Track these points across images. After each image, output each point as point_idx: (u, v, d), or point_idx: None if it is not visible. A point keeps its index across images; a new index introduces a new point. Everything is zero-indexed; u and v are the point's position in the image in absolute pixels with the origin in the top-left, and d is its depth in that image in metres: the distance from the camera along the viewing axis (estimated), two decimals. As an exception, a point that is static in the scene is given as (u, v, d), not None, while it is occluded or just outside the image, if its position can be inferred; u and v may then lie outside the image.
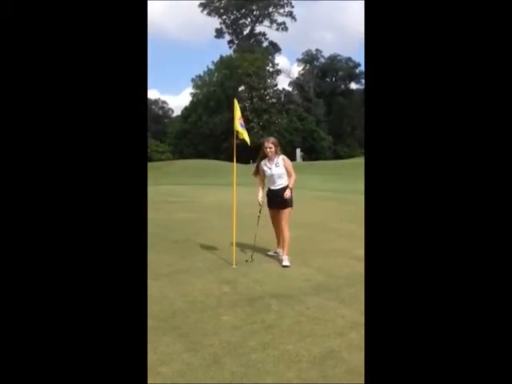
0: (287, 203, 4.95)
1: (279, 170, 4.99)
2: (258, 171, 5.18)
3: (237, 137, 5.24)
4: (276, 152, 4.99)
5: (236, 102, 5.16)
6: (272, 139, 5.09)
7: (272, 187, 5.06)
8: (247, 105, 43.62)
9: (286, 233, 4.99)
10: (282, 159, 4.99)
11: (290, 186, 4.98)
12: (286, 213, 4.98)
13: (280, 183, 4.99)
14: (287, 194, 4.91)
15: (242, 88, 45.15)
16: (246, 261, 4.92)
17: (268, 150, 4.96)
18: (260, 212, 5.11)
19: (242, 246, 5.54)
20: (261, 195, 5.12)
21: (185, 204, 10.73)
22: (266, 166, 5.07)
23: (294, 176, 5.02)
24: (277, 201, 4.99)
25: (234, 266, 4.86)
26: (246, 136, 5.20)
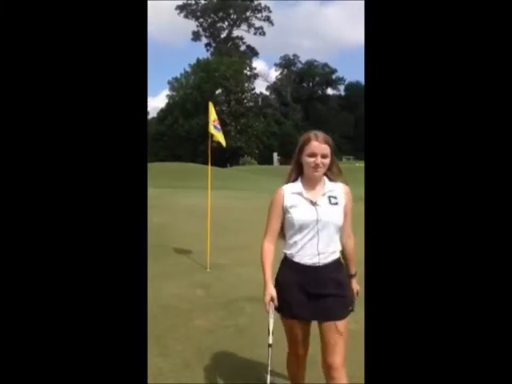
0: (348, 305, 1.97)
1: (336, 212, 1.93)
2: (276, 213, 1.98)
3: (212, 139, 5.23)
4: (332, 170, 1.99)
5: (211, 104, 5.16)
6: (325, 136, 1.95)
7: (308, 259, 1.92)
8: (224, 108, 43.61)
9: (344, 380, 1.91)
10: (343, 190, 1.99)
11: (351, 266, 2.07)
12: (343, 330, 1.91)
13: (332, 250, 1.94)
14: (355, 287, 2.07)
15: (219, 91, 45.11)
16: None
17: (320, 163, 1.89)
18: (272, 333, 1.88)
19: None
20: (271, 286, 1.97)
21: (159, 207, 10.59)
22: (300, 197, 1.94)
23: (352, 237, 2.08)
24: (321, 298, 1.91)
25: (209, 269, 4.83)
26: (221, 138, 5.21)
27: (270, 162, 39.67)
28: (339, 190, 1.97)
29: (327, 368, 1.94)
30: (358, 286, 2.07)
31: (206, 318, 3.36)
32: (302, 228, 1.91)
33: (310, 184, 1.95)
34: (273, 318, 1.91)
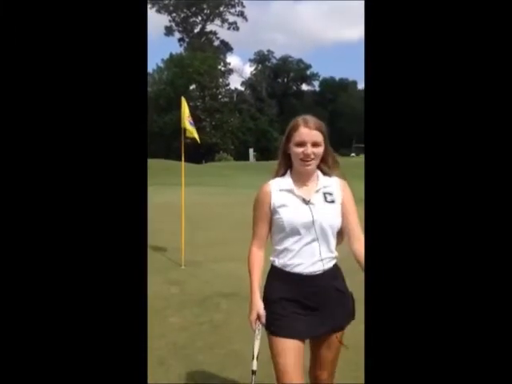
0: (349, 313, 1.70)
1: (333, 211, 1.65)
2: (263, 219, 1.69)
3: (185, 136, 5.18)
4: (327, 162, 1.69)
5: (184, 100, 5.11)
6: (316, 121, 1.63)
7: (305, 268, 1.62)
8: (199, 104, 43.20)
9: None
10: (339, 184, 1.70)
11: (361, 262, 1.56)
12: (338, 343, 1.69)
13: (332, 255, 1.66)
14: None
15: (193, 87, 44.68)
16: None
17: (311, 153, 1.59)
18: (256, 358, 1.63)
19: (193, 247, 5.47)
20: (258, 300, 1.66)
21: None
22: (291, 194, 1.65)
23: (363, 241, 1.58)
24: (322, 310, 1.63)
25: (183, 266, 4.79)
26: (195, 134, 5.17)
27: (245, 157, 39.59)
28: (335, 185, 1.67)
29: (314, 379, 1.74)
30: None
31: (181, 315, 3.34)
32: (293, 231, 1.60)
33: (302, 179, 1.64)
34: (259, 340, 1.61)
